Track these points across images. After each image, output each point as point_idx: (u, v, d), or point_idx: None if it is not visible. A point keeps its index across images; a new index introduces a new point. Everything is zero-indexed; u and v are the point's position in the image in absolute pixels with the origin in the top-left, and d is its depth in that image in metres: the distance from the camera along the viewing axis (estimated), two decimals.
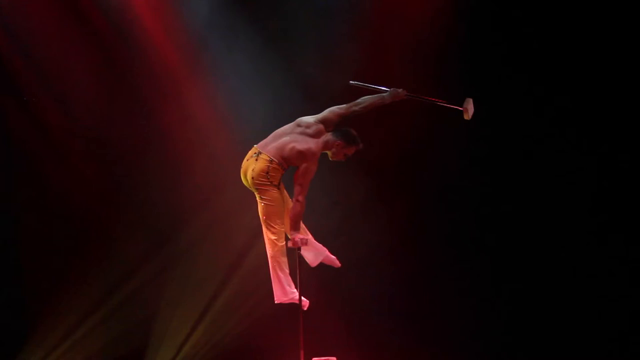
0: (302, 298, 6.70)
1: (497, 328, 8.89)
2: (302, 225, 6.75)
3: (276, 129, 6.88)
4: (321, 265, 7.12)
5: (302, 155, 6.57)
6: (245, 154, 6.89)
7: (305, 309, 6.70)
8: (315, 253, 6.85)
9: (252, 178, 6.63)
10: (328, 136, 6.64)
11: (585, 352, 8.56)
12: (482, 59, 9.00)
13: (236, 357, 9.18)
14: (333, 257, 6.95)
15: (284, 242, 6.72)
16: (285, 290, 6.72)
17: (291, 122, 6.80)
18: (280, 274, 6.73)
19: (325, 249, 6.91)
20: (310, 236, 6.81)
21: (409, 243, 9.20)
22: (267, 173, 6.61)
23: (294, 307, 6.74)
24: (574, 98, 8.82)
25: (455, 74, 8.90)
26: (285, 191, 6.76)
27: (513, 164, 9.00)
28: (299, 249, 6.60)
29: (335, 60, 9.10)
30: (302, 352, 6.50)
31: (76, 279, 9.47)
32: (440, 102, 6.84)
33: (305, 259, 6.82)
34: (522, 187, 8.99)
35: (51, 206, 9.58)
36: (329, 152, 6.72)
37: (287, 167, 6.64)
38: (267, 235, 6.72)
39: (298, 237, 6.56)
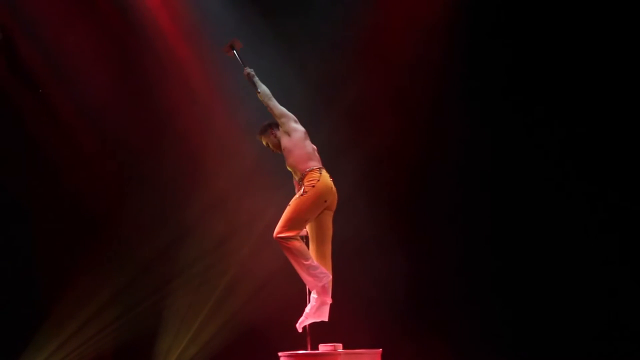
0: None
1: (502, 319, 8.97)
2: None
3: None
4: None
5: None
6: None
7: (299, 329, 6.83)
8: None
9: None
10: None
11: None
12: (485, 70, 9.14)
13: (245, 343, 9.28)
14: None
15: None
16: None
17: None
18: None
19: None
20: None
21: (415, 236, 9.35)
22: None
23: (303, 295, 6.91)
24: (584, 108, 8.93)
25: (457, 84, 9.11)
26: None
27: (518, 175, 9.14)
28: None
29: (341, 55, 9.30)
30: (308, 339, 6.67)
31: (88, 261, 9.63)
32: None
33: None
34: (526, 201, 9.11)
35: (65, 195, 9.74)
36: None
37: None
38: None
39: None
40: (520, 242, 9.02)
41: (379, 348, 6.60)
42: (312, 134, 7.07)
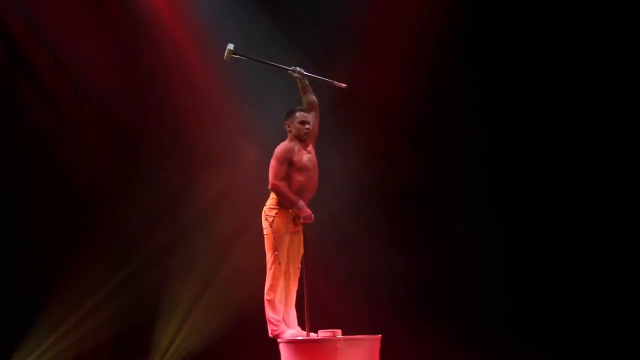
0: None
1: (500, 305, 9.02)
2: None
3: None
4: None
5: None
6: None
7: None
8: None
9: None
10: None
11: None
12: (481, 60, 9.14)
13: (244, 331, 9.26)
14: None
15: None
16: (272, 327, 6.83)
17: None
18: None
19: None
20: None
21: (413, 224, 9.36)
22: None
23: (302, 283, 6.89)
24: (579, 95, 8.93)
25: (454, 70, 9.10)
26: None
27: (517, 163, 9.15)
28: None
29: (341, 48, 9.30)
30: (307, 325, 6.64)
31: (86, 251, 9.59)
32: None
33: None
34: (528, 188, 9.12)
35: (63, 181, 9.69)
36: (295, 134, 6.94)
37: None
38: None
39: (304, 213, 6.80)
40: (516, 229, 9.04)
41: (379, 334, 6.60)
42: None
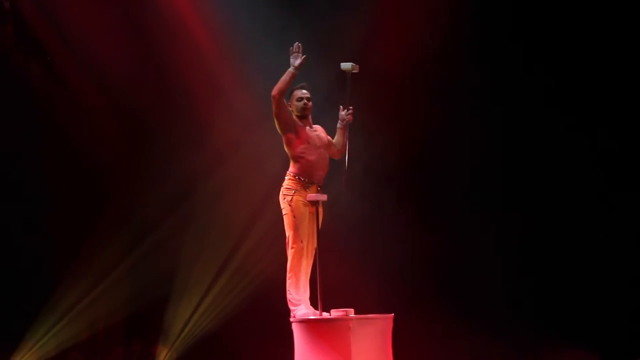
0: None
1: (510, 285, 9.04)
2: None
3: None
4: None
5: None
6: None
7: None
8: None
9: None
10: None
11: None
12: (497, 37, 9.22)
13: (257, 311, 9.35)
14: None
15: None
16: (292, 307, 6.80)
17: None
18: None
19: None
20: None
21: (423, 207, 9.37)
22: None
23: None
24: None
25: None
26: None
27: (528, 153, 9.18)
28: None
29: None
30: (320, 304, 6.64)
31: (99, 233, 9.67)
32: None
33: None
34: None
35: (74, 163, 9.78)
36: (297, 113, 6.89)
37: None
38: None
39: None
40: (535, 209, 9.02)
41: (391, 313, 6.59)
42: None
